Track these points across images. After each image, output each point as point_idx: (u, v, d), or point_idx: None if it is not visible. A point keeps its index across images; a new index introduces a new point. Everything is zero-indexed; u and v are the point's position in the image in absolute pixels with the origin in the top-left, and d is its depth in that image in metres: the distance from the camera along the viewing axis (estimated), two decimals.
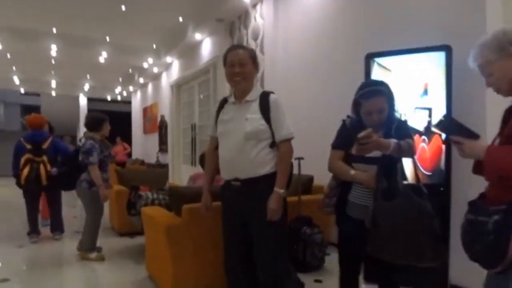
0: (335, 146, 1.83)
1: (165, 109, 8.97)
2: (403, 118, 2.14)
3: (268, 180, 1.82)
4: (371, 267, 1.86)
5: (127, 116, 13.50)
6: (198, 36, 6.31)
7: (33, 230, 4.06)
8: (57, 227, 4.16)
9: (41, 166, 3.81)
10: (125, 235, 4.22)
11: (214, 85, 6.02)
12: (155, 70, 8.99)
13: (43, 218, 4.61)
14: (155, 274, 2.75)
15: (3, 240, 4.16)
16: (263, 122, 1.83)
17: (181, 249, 2.36)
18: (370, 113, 1.70)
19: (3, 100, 16.74)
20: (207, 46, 6.35)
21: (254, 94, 1.90)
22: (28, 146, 3.88)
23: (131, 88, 12.41)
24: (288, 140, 1.86)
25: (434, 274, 2.07)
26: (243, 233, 1.91)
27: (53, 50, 7.52)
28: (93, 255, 3.37)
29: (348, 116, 1.84)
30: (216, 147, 2.00)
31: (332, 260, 2.83)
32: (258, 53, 4.83)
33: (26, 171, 3.78)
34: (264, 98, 1.88)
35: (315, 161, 2.60)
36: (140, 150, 11.87)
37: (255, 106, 1.87)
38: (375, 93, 1.70)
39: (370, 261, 1.74)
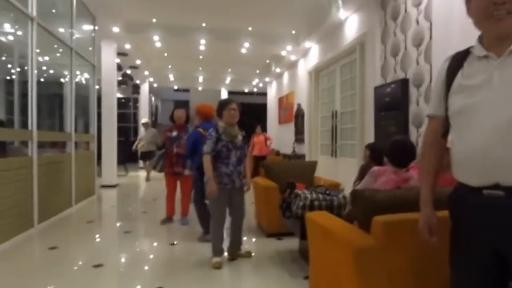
0: None
1: (301, 97, 8.71)
2: None
3: None
4: None
5: (262, 107, 13.92)
6: (342, 14, 5.73)
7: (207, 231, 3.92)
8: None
9: None
10: (273, 236, 3.93)
11: (361, 66, 5.36)
12: (292, 58, 8.80)
13: (183, 217, 4.60)
14: None
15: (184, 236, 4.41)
16: None
17: (374, 280, 1.68)
18: None
19: (160, 96, 19.49)
20: (352, 24, 5.72)
21: None
22: None
23: (267, 79, 12.66)
24: None
25: None
26: (496, 273, 1.15)
27: (202, 45, 8.08)
28: (214, 259, 3.06)
29: None
30: (444, 133, 1.31)
31: None
32: (421, 20, 3.97)
33: None
34: None
35: None
36: (275, 140, 12.01)
37: None
38: None
39: None
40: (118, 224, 4.78)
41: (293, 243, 3.60)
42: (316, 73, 7.72)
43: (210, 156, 2.98)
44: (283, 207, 3.08)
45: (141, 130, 10.34)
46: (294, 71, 9.52)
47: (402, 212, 1.77)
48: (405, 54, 4.28)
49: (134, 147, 10.08)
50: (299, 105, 9.02)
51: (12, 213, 3.71)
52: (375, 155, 3.45)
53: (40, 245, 3.76)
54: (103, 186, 7.71)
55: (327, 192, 2.97)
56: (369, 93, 5.11)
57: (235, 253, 3.28)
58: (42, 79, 10.73)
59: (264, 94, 14.33)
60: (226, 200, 3.10)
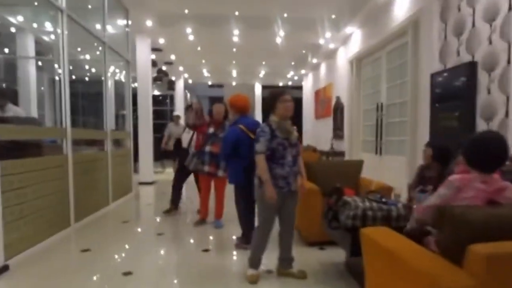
0: None
1: (341, 89, 8.04)
2: None
3: None
4: None
5: (297, 101, 13.33)
6: None
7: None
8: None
9: None
10: (314, 245, 3.46)
11: (414, 50, 4.64)
12: (331, 46, 8.13)
13: (217, 220, 4.29)
14: None
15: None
16: None
17: None
18: None
19: (195, 93, 19.41)
20: (403, 1, 4.99)
21: None
22: (252, 136, 3.17)
23: (302, 71, 12.05)
24: None
25: None
26: None
27: (235, 35, 7.63)
28: (249, 271, 2.72)
29: None
30: None
31: None
32: None
33: None
34: None
35: None
36: (311, 136, 11.47)
37: None
38: None
39: None
40: (152, 225, 4.58)
41: (338, 254, 3.15)
42: (358, 62, 7.02)
43: (264, 155, 2.54)
44: (328, 216, 2.56)
45: (169, 125, 8.57)
46: (333, 61, 8.85)
47: (507, 239, 1.25)
48: (473, 32, 3.55)
49: (162, 145, 8.40)
50: (338, 98, 8.36)
51: (49, 212, 3.67)
52: (439, 154, 2.84)
53: (73, 246, 3.68)
54: (141, 183, 7.76)
55: (383, 199, 2.40)
56: (424, 81, 4.41)
57: (286, 272, 2.78)
58: (86, 78, 11.05)
59: (298, 88, 13.74)
60: (278, 206, 2.66)
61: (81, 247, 3.53)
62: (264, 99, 2.73)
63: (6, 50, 7.59)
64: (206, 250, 3.45)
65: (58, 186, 3.83)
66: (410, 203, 2.65)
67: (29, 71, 7.18)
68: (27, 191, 3.29)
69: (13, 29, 6.87)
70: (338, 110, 8.32)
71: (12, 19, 6.61)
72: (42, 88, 8.86)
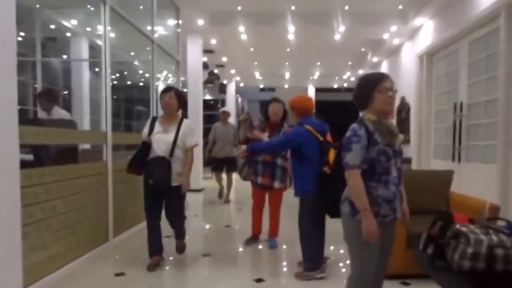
0: None
1: (406, 89, 7.24)
2: None
3: None
4: None
5: (350, 104, 12.58)
6: None
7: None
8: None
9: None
10: (394, 278, 2.72)
11: (509, 36, 3.86)
12: (396, 41, 7.39)
13: (271, 238, 3.77)
14: None
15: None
16: None
17: None
18: None
19: (246, 97, 19.28)
20: None
21: None
22: (321, 138, 2.79)
23: (360, 71, 11.28)
24: None
25: None
26: None
27: (291, 33, 7.19)
28: None
29: None
30: None
31: None
32: None
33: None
34: None
35: None
36: None
37: None
38: None
39: None
40: (197, 242, 4.11)
41: None
42: (429, 57, 6.23)
43: (359, 171, 1.76)
44: (427, 250, 1.89)
45: (215, 126, 6.36)
46: (396, 58, 8.07)
47: None
48: None
49: (207, 153, 6.45)
50: (403, 98, 7.56)
51: (84, 226, 3.29)
52: None
53: (107, 268, 3.23)
54: (189, 190, 7.16)
55: None
56: None
57: None
58: (141, 84, 11.33)
59: (352, 90, 12.92)
60: (380, 246, 1.82)
61: (116, 270, 3.10)
62: (356, 89, 1.93)
63: (65, 56, 7.87)
64: (259, 280, 2.89)
65: (95, 196, 3.42)
66: None
67: (83, 75, 7.24)
68: (56, 204, 2.86)
69: (68, 34, 7.06)
70: (403, 111, 7.53)
71: (66, 23, 6.77)
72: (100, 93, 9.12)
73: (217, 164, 6.27)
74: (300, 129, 2.81)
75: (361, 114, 1.91)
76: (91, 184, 3.37)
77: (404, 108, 7.48)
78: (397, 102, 7.86)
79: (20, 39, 7.50)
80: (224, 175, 6.38)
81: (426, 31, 6.20)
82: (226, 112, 6.34)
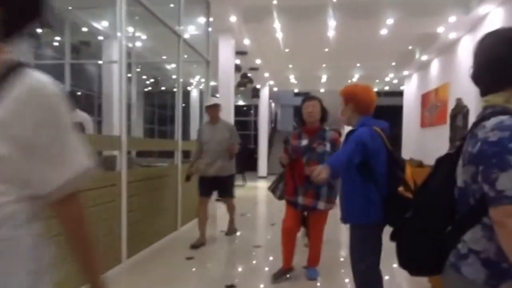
0: None
1: (464, 89, 6.38)
2: None
3: None
4: None
5: (391, 109, 11.71)
6: None
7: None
8: None
9: None
10: None
11: None
12: (451, 35, 6.56)
13: (311, 267, 3.12)
14: None
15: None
16: None
17: None
18: None
19: (279, 102, 18.76)
20: None
21: None
22: (390, 147, 1.99)
23: (405, 73, 10.43)
24: None
25: None
26: None
27: (331, 28, 6.56)
28: None
29: None
30: None
31: None
32: None
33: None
34: None
35: None
36: (414, 147, 9.84)
37: None
38: None
39: None
40: (220, 268, 3.53)
41: None
42: None
43: None
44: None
45: (200, 128, 4.42)
46: (451, 56, 7.23)
47: None
48: None
49: (187, 168, 4.27)
50: (459, 100, 6.68)
51: (98, 244, 2.73)
52: None
53: None
54: (218, 200, 5.59)
55: None
56: None
57: None
58: (174, 89, 11.17)
59: (393, 94, 12.11)
60: None
61: None
62: (499, 53, 0.92)
63: (100, 62, 7.73)
64: None
65: (105, 212, 2.93)
66: None
67: (112, 80, 7.05)
68: (55, 222, 2.31)
69: (101, 37, 6.89)
70: (460, 115, 6.64)
71: (97, 25, 6.58)
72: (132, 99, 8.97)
73: (204, 186, 3.98)
74: (362, 131, 1.94)
75: (487, 99, 0.99)
76: (101, 197, 2.86)
77: (460, 111, 6.58)
78: (450, 106, 6.98)
79: (56, 44, 7.56)
80: (216, 201, 5.05)
81: (493, 20, 5.37)
82: (213, 106, 4.18)
